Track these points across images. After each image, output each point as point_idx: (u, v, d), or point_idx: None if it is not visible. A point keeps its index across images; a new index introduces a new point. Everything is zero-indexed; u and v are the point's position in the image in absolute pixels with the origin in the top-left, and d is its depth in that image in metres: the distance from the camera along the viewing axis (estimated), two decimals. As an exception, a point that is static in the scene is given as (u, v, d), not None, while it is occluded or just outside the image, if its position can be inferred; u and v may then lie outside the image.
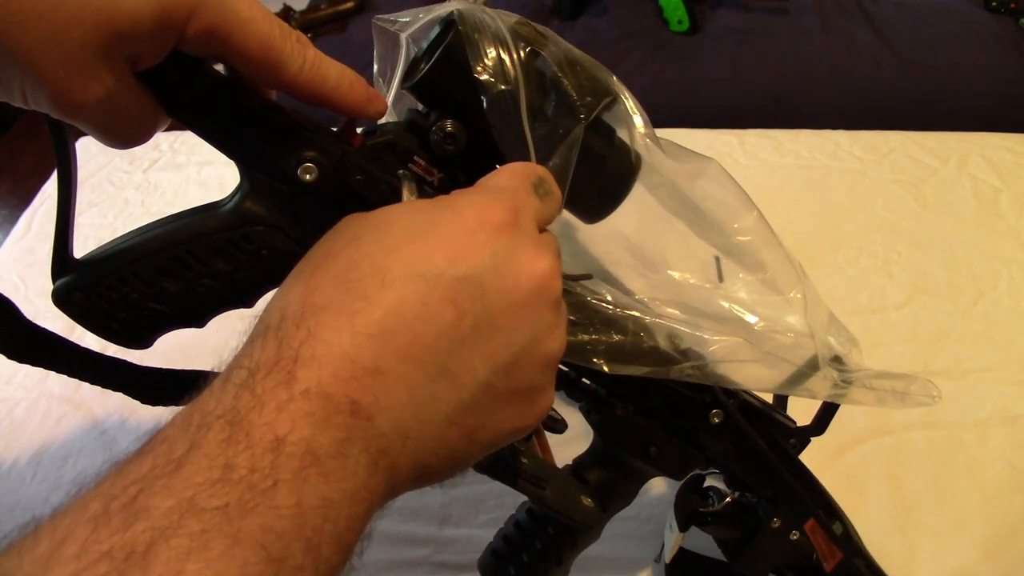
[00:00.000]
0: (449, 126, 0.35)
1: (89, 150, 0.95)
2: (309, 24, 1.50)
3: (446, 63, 0.35)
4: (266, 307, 0.28)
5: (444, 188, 0.36)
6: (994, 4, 1.45)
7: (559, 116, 0.36)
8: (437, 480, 0.29)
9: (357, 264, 0.27)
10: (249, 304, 0.37)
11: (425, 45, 0.38)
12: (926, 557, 0.58)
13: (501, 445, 0.30)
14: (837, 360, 0.42)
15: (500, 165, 0.36)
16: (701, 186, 0.41)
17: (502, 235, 0.29)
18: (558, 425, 0.44)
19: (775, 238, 0.43)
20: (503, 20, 0.36)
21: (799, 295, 0.42)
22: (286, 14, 1.51)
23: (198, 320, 0.37)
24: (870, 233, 0.82)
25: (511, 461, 0.42)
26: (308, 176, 0.34)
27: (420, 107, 0.38)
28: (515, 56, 0.35)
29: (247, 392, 0.24)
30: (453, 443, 0.28)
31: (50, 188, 0.90)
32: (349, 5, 1.53)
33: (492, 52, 0.35)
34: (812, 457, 0.62)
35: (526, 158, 0.35)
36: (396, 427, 0.26)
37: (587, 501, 0.46)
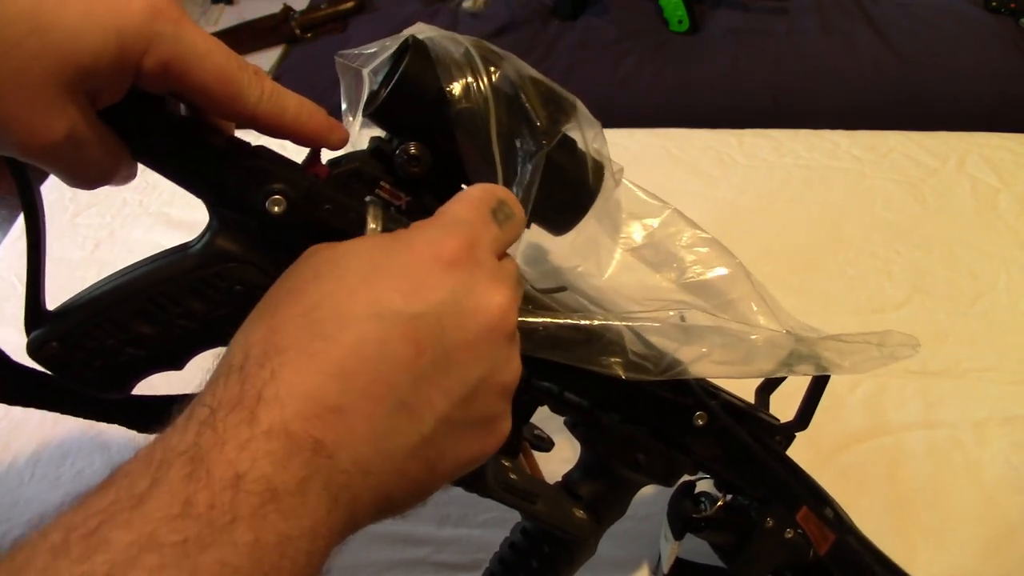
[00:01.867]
0: (413, 148, 0.36)
1: (88, 150, 0.95)
2: (309, 24, 1.50)
3: (403, 87, 0.35)
4: (230, 344, 0.29)
5: (412, 210, 0.37)
6: (994, 4, 1.45)
7: (525, 136, 0.36)
8: (400, 512, 0.29)
9: (318, 304, 0.28)
10: (227, 342, 0.36)
11: (383, 74, 0.38)
12: (925, 557, 0.58)
13: (463, 473, 0.31)
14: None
15: (466, 184, 0.36)
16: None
17: (458, 271, 0.29)
18: (544, 443, 0.44)
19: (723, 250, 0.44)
20: (464, 42, 0.37)
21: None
22: (286, 14, 1.51)
23: (176, 362, 0.37)
24: (869, 233, 0.82)
25: (501, 477, 0.42)
26: (276, 208, 0.34)
27: (384, 134, 0.38)
28: (483, 78, 0.36)
29: (209, 430, 0.25)
30: (414, 475, 0.28)
31: (50, 188, 0.90)
32: (349, 5, 1.53)
33: (460, 74, 0.36)
34: (811, 457, 0.62)
35: (492, 179, 0.36)
36: (358, 462, 0.26)
37: (580, 514, 0.46)
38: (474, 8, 1.53)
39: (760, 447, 0.46)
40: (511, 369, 0.31)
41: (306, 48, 1.49)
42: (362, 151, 0.38)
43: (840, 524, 0.49)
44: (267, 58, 1.46)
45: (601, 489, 0.47)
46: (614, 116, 1.27)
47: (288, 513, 0.24)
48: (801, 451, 0.56)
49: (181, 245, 0.36)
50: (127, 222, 0.84)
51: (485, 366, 0.30)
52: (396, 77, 0.36)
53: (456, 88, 0.35)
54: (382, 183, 0.36)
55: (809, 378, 0.48)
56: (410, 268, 0.29)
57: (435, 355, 0.28)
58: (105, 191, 0.92)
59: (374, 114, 0.37)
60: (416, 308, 0.28)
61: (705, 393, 0.45)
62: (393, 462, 0.27)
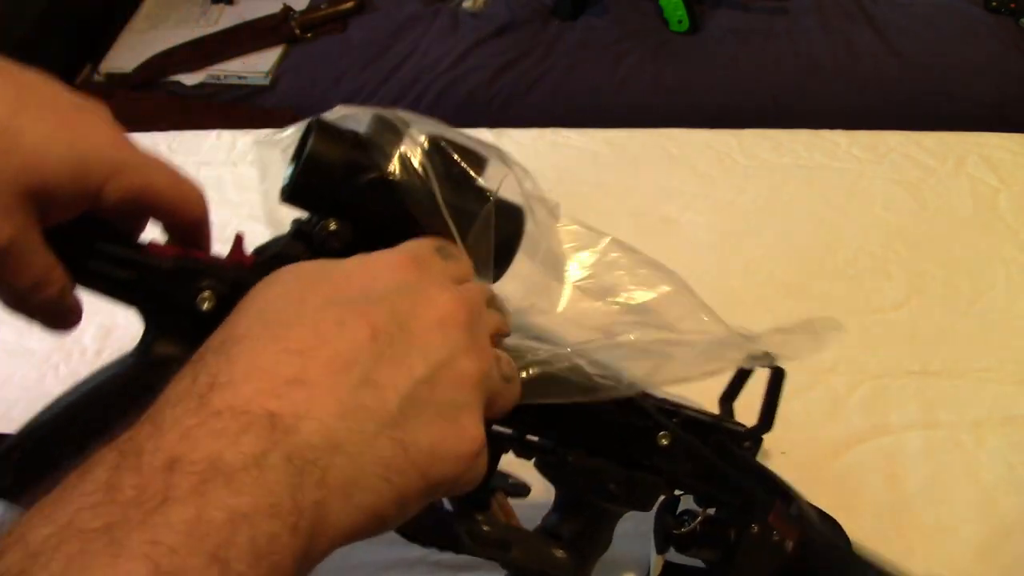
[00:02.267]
0: (332, 225, 0.36)
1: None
2: (309, 24, 1.50)
3: (311, 167, 0.36)
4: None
5: None
6: (994, 4, 1.45)
7: (468, 197, 0.37)
8: (382, 516, 0.27)
9: (273, 300, 0.30)
10: None
11: (291, 156, 0.38)
12: (923, 557, 0.58)
13: (443, 475, 0.29)
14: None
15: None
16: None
17: (408, 271, 0.31)
18: (520, 489, 0.45)
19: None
20: (373, 112, 0.38)
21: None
22: (286, 14, 1.51)
23: None
24: (868, 233, 0.82)
25: (475, 531, 0.43)
26: (206, 305, 0.34)
27: (305, 215, 0.39)
28: (419, 150, 0.36)
29: (148, 424, 0.25)
30: (388, 457, 0.27)
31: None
32: (349, 5, 1.53)
33: (395, 148, 0.36)
34: (810, 458, 0.62)
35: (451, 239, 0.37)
36: (325, 436, 0.25)
37: (561, 554, 0.46)
38: (474, 8, 1.54)
39: (728, 457, 0.46)
40: (472, 359, 0.31)
41: (306, 48, 1.49)
42: (284, 235, 0.39)
43: (802, 521, 0.48)
44: (267, 58, 1.46)
45: (580, 526, 0.47)
46: (614, 116, 1.27)
47: (240, 489, 0.23)
48: (801, 452, 0.56)
49: (118, 360, 0.36)
50: (127, 222, 0.84)
51: (445, 350, 0.30)
52: (303, 156, 0.36)
53: (394, 162, 0.36)
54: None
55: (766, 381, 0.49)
56: (363, 269, 0.31)
57: (392, 336, 0.29)
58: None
59: (288, 197, 0.37)
60: (371, 295, 0.29)
61: (665, 412, 0.45)
62: (364, 437, 0.26)
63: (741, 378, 0.51)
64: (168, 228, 0.37)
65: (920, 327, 0.73)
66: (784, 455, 0.50)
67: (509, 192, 0.39)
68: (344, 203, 0.36)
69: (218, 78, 1.44)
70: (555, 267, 0.43)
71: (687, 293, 0.44)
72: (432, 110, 1.38)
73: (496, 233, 0.38)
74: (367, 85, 1.41)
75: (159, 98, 1.44)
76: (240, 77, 1.44)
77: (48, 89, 0.33)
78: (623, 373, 0.39)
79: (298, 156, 0.37)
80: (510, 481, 0.45)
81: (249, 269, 0.36)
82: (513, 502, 0.47)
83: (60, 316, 0.35)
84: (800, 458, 0.51)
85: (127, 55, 1.49)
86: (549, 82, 1.41)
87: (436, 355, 0.29)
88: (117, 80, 1.47)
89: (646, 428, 0.44)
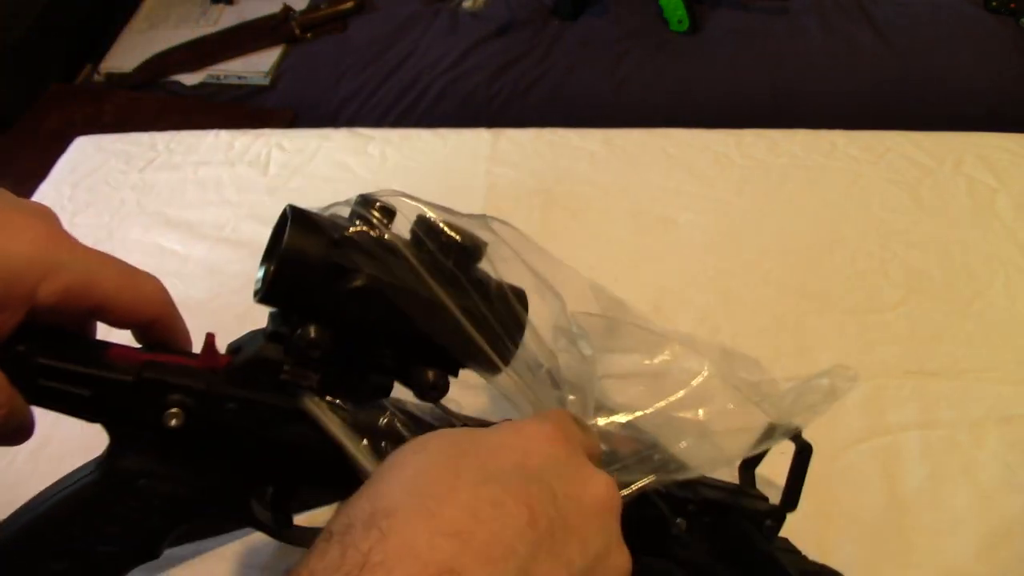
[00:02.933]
0: (312, 333, 0.33)
1: (85, 150, 0.95)
2: (309, 24, 1.51)
3: (286, 265, 0.32)
4: (330, 519, 0.26)
5: (330, 385, 0.35)
6: (994, 4, 1.45)
7: (471, 292, 0.34)
8: None
9: (425, 470, 0.27)
10: (155, 555, 0.35)
11: (264, 250, 0.36)
12: (922, 557, 0.58)
13: None
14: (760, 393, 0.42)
15: (381, 352, 0.35)
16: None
17: (559, 446, 0.29)
18: None
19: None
20: (364, 202, 0.34)
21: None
22: (286, 14, 1.51)
23: None
24: (866, 233, 0.82)
25: None
26: (174, 422, 0.32)
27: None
28: (410, 246, 0.33)
29: None
30: None
31: (49, 187, 0.91)
32: (349, 5, 1.54)
33: (381, 246, 0.33)
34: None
35: (458, 338, 0.34)
36: None
37: None
38: (474, 8, 1.54)
39: (746, 543, 0.44)
40: (625, 553, 0.29)
41: (306, 48, 1.49)
42: (258, 333, 0.36)
43: None
44: (267, 58, 1.46)
45: None
46: (613, 116, 1.27)
47: None
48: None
49: (83, 466, 0.35)
50: (125, 222, 0.84)
51: (602, 540, 0.28)
52: (277, 254, 0.32)
53: (364, 259, 0.33)
54: (285, 367, 0.34)
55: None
56: (516, 440, 0.29)
57: (551, 522, 0.26)
58: (104, 191, 0.92)
59: (263, 299, 0.34)
60: (528, 472, 0.27)
61: (677, 500, 0.42)
62: None
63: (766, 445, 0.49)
64: (132, 331, 0.34)
65: (918, 327, 0.73)
66: (783, 455, 0.50)
67: (506, 267, 0.36)
68: (326, 309, 0.33)
69: (218, 78, 1.45)
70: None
71: (716, 381, 0.41)
72: (432, 110, 1.38)
73: (512, 319, 0.35)
74: (367, 85, 1.41)
75: (159, 98, 1.45)
76: (240, 77, 1.44)
77: None
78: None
79: (270, 252, 0.34)
80: None
81: (223, 374, 0.33)
82: None
83: (8, 436, 0.32)
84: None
85: (127, 55, 1.50)
86: (549, 82, 1.41)
87: (594, 547, 0.27)
88: (117, 80, 1.47)
89: (661, 515, 0.42)
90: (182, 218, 0.84)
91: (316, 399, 0.34)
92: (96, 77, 1.49)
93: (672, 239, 0.82)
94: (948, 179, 0.88)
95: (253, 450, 0.34)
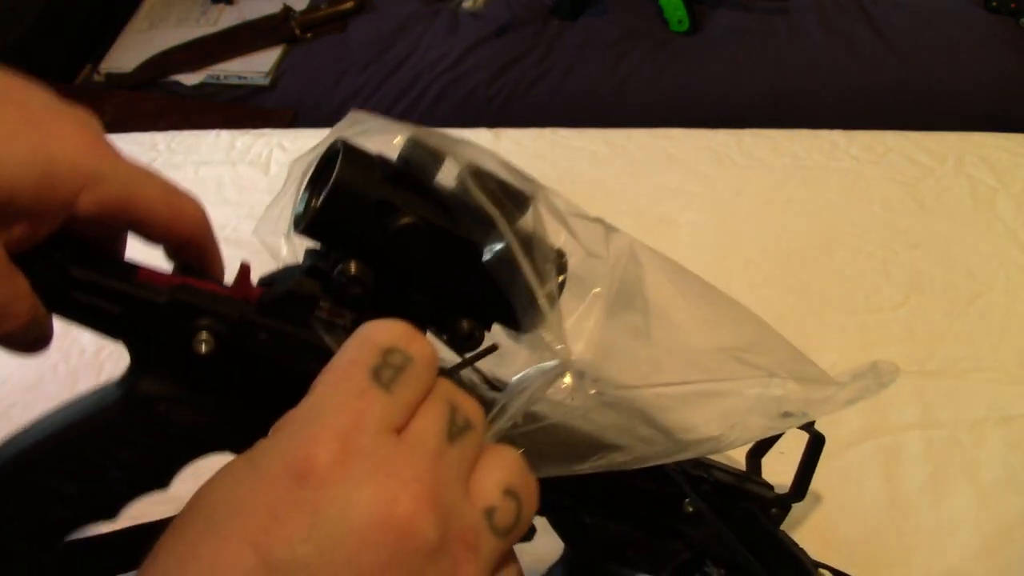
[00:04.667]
0: (353, 269, 0.32)
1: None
2: (309, 24, 1.51)
3: (336, 198, 0.31)
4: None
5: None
6: (994, 4, 1.45)
7: (544, 250, 0.32)
8: None
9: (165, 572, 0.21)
10: (165, 486, 0.34)
11: (307, 184, 0.34)
12: (922, 557, 0.58)
13: None
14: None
15: (419, 297, 0.33)
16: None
17: (327, 481, 0.21)
18: (528, 533, 0.42)
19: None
20: (406, 131, 0.33)
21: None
22: (286, 14, 1.51)
23: (112, 514, 0.33)
24: (867, 233, 0.82)
25: None
26: (204, 348, 0.31)
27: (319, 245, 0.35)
28: (472, 186, 0.31)
29: None
30: None
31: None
32: (349, 5, 1.53)
33: (436, 187, 0.31)
34: (808, 457, 0.62)
35: (522, 301, 0.31)
36: None
37: None
38: (474, 8, 1.54)
39: (754, 527, 0.44)
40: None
41: (306, 48, 1.49)
42: (295, 268, 0.35)
43: None
44: (267, 58, 1.46)
45: None
46: (614, 116, 1.27)
47: None
48: (799, 452, 0.56)
49: (101, 389, 0.33)
50: (127, 222, 0.84)
51: None
52: (329, 186, 0.31)
53: (416, 200, 0.31)
54: (321, 304, 0.32)
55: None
56: (259, 500, 0.21)
57: None
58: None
59: (305, 229, 0.33)
60: (273, 557, 0.20)
61: (693, 478, 0.42)
62: None
63: (774, 435, 0.49)
64: (165, 250, 0.33)
65: (919, 327, 0.73)
66: (782, 455, 0.50)
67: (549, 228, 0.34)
68: (371, 246, 0.32)
69: (218, 78, 1.45)
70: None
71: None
72: (432, 110, 1.38)
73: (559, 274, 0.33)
74: (367, 85, 1.41)
75: (159, 98, 1.44)
76: (240, 77, 1.44)
77: (19, 87, 0.29)
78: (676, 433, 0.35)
79: (314, 182, 0.33)
80: None
81: (255, 306, 0.32)
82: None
83: (26, 346, 0.31)
84: (798, 458, 0.51)
85: (127, 55, 1.49)
86: (549, 82, 1.41)
87: None
88: (117, 80, 1.47)
89: (672, 494, 0.41)
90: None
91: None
92: (96, 77, 1.48)
93: (673, 239, 0.82)
94: (949, 179, 0.88)
95: (279, 384, 0.32)
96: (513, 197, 0.32)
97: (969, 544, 0.58)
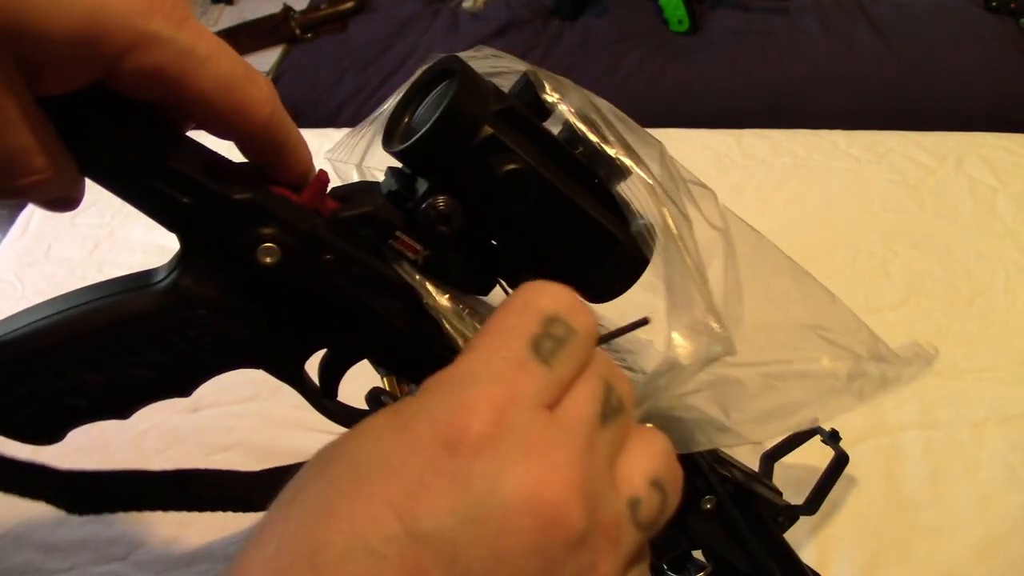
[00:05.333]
0: (442, 204, 0.29)
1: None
2: (309, 24, 1.51)
3: (445, 126, 0.28)
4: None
5: (432, 267, 0.31)
6: (994, 4, 1.45)
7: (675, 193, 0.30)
8: None
9: (292, 535, 0.20)
10: (187, 393, 0.32)
11: (401, 100, 0.32)
12: (922, 557, 0.58)
13: None
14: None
15: (498, 242, 0.31)
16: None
17: (475, 456, 0.20)
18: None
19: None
20: (522, 66, 0.31)
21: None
22: (286, 14, 1.51)
23: (123, 413, 0.32)
24: (867, 233, 0.82)
25: None
26: (268, 259, 0.28)
27: (403, 168, 0.32)
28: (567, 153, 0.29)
29: None
30: None
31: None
32: (349, 5, 1.53)
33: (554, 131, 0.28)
34: (809, 457, 0.62)
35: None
36: None
37: None
38: (474, 8, 1.54)
39: (760, 531, 0.43)
40: None
41: (306, 48, 1.49)
42: (374, 189, 0.32)
43: None
44: (267, 58, 1.46)
45: None
46: (613, 116, 1.27)
47: None
48: (799, 451, 0.56)
49: (142, 275, 0.31)
50: (127, 221, 0.84)
51: None
52: (443, 107, 0.28)
53: (528, 146, 0.28)
54: (397, 232, 0.30)
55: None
56: (406, 463, 0.20)
57: None
58: (103, 191, 0.92)
59: (402, 153, 0.30)
60: (417, 526, 0.19)
61: (718, 474, 0.40)
62: None
63: (796, 441, 0.47)
64: (200, 120, 0.28)
65: (919, 327, 0.73)
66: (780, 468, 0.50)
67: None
68: (470, 184, 0.29)
69: (218, 78, 1.45)
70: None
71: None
72: (432, 110, 1.38)
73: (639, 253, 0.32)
74: (367, 85, 1.41)
75: (159, 98, 1.45)
76: (240, 77, 1.44)
77: None
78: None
79: (409, 101, 0.31)
80: None
81: (327, 221, 0.30)
82: None
83: (47, 203, 0.28)
84: (799, 457, 0.51)
85: (127, 55, 1.49)
86: (549, 82, 1.41)
87: None
88: (117, 80, 1.47)
89: (695, 489, 0.39)
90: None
91: (419, 275, 0.31)
92: (96, 77, 1.49)
93: (673, 239, 0.82)
94: (949, 179, 0.88)
95: (335, 309, 0.31)
96: (610, 166, 0.30)
97: (969, 544, 0.58)
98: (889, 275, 0.78)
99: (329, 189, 0.31)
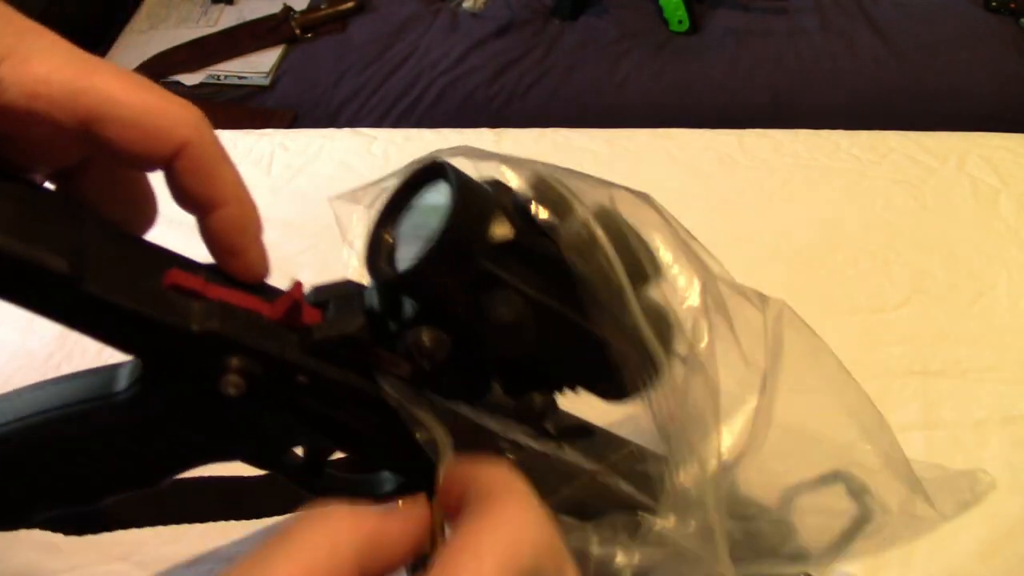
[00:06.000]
0: (427, 340, 0.26)
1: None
2: (309, 24, 1.51)
3: (440, 256, 0.25)
4: None
5: (418, 377, 0.29)
6: (994, 4, 1.45)
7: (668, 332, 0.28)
8: None
9: None
10: (155, 486, 0.31)
11: (387, 207, 0.29)
12: (923, 557, 0.58)
13: None
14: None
15: (496, 372, 0.29)
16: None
17: None
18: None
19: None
20: (545, 180, 0.28)
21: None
22: (286, 14, 1.51)
23: (92, 504, 0.31)
24: (869, 233, 0.82)
25: None
26: (232, 391, 0.26)
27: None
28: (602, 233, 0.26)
29: None
30: None
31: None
32: (349, 5, 1.53)
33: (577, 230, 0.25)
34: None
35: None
36: None
37: None
38: (474, 8, 1.54)
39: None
40: None
41: (306, 48, 1.49)
42: (354, 299, 0.29)
43: None
44: (267, 58, 1.46)
45: None
46: (614, 116, 1.27)
47: None
48: (801, 451, 0.55)
49: (104, 377, 0.29)
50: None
51: None
52: (440, 234, 0.24)
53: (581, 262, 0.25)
54: (377, 352, 0.28)
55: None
56: None
57: None
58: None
59: (386, 285, 0.27)
60: None
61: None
62: None
63: None
64: (144, 170, 0.22)
65: (921, 327, 0.73)
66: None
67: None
68: (460, 321, 0.26)
69: (218, 78, 1.45)
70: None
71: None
72: (432, 110, 1.38)
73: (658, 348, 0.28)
74: (367, 85, 1.41)
75: (159, 98, 1.44)
76: (240, 77, 1.44)
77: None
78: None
79: (394, 210, 0.28)
80: None
81: (300, 341, 0.27)
82: None
83: None
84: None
85: (127, 55, 1.49)
86: (549, 82, 1.41)
87: None
88: (117, 80, 1.47)
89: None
90: (184, 218, 0.83)
91: (402, 391, 0.28)
92: (96, 77, 1.49)
93: (674, 239, 0.82)
94: (951, 179, 0.88)
95: (309, 424, 0.29)
96: (637, 270, 0.27)
97: (970, 544, 0.58)
98: (891, 275, 0.78)
99: (307, 290, 0.29)
